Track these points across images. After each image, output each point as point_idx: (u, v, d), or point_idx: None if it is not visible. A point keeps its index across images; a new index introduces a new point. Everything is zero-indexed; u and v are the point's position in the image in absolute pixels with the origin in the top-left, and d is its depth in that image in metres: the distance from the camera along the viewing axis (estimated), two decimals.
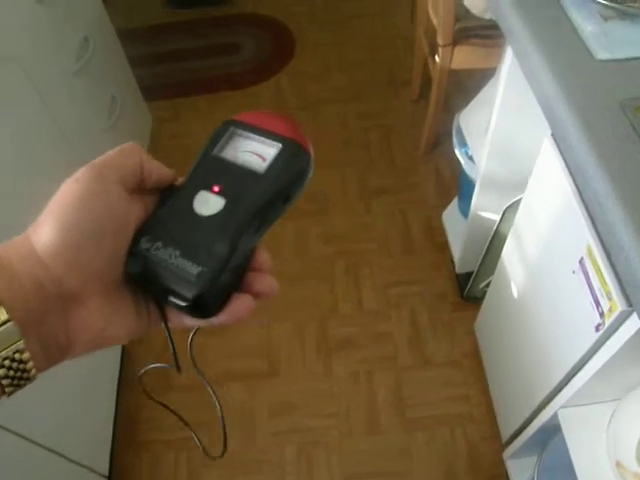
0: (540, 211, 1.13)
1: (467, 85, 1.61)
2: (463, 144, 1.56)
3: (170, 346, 0.38)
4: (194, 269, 0.33)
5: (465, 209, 1.82)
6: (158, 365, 0.41)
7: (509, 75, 1.12)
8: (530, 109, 1.11)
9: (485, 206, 1.45)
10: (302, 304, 1.86)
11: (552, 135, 0.98)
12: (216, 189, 0.35)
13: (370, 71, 2.53)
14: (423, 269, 1.90)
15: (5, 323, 0.29)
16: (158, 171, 0.37)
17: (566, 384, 1.02)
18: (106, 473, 1.50)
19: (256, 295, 0.35)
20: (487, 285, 1.68)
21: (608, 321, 0.90)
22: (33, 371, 0.31)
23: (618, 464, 0.91)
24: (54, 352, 0.32)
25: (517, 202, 1.33)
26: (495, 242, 1.50)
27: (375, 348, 1.75)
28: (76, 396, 1.37)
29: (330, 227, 2.01)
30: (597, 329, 0.94)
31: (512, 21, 0.94)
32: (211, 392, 0.41)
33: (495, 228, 1.46)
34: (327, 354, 1.76)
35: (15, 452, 1.12)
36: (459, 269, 1.77)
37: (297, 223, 2.02)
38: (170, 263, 0.33)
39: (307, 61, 2.62)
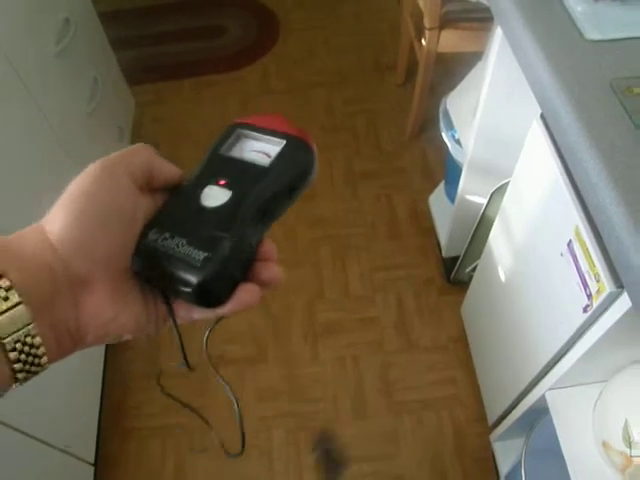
0: (528, 194, 1.12)
1: (454, 69, 1.60)
2: (450, 127, 1.55)
3: (178, 342, 0.38)
4: (200, 255, 0.33)
5: (452, 193, 1.82)
6: (171, 364, 0.42)
7: (498, 57, 1.11)
8: (519, 91, 1.11)
9: (472, 190, 1.45)
10: (289, 289, 1.85)
11: (541, 116, 0.98)
12: (222, 182, 0.36)
13: (356, 55, 2.51)
14: (409, 253, 1.90)
15: (16, 305, 0.29)
16: (168, 170, 0.38)
17: (553, 366, 1.03)
18: (92, 460, 1.48)
19: (262, 284, 0.36)
20: (474, 269, 1.68)
21: (596, 302, 0.91)
22: (45, 358, 0.31)
23: (604, 444, 0.92)
24: (65, 339, 0.32)
25: (504, 185, 1.33)
26: (482, 226, 1.50)
27: (361, 333, 1.75)
28: (61, 383, 1.35)
29: (316, 212, 2.00)
30: (585, 310, 0.94)
31: (502, 1, 0.93)
32: (229, 393, 0.42)
33: (482, 212, 1.46)
34: (313, 339, 1.75)
35: None
36: (446, 253, 1.77)
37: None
38: (177, 251, 0.34)
39: (293, 45, 2.60)
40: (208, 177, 0.37)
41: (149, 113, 2.36)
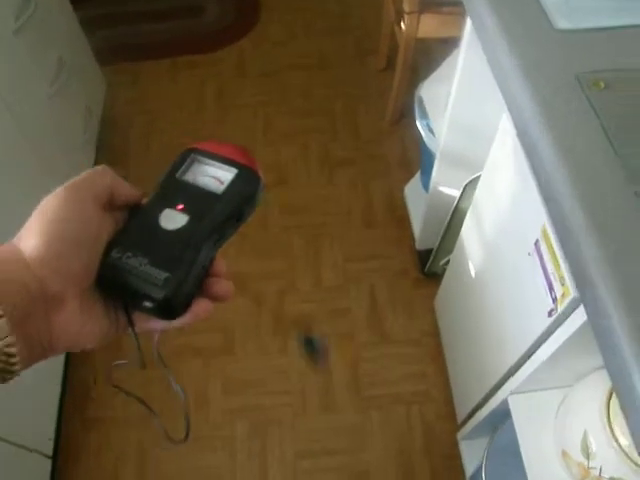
0: (498, 189, 1.08)
1: (437, 56, 1.54)
2: (424, 116, 1.50)
3: (136, 346, 0.41)
4: (162, 275, 0.37)
5: (425, 182, 1.78)
6: (122, 362, 0.45)
7: (469, 45, 1.06)
8: (490, 82, 1.06)
9: (445, 181, 1.40)
10: (260, 279, 1.80)
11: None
12: (180, 207, 0.40)
13: (338, 39, 2.44)
14: (384, 244, 1.85)
15: None
16: (127, 192, 0.41)
17: (517, 369, 0.99)
18: (50, 453, 1.44)
19: (214, 298, 0.40)
20: (448, 262, 1.64)
21: (560, 307, 0.87)
22: (17, 366, 0.33)
23: (564, 453, 0.89)
24: (37, 350, 0.35)
25: (477, 178, 1.28)
26: (455, 219, 1.46)
27: (333, 325, 1.71)
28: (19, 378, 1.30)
29: (290, 199, 1.95)
30: (550, 314, 0.91)
31: None
32: (178, 388, 0.46)
33: (455, 204, 1.41)
34: (283, 331, 1.71)
35: None
36: (419, 245, 1.73)
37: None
38: (140, 270, 0.37)
39: (272, 27, 2.52)
40: (166, 200, 0.40)
41: (123, 94, 2.28)
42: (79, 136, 1.82)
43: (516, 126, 0.80)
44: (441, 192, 1.44)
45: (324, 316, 1.72)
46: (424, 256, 1.74)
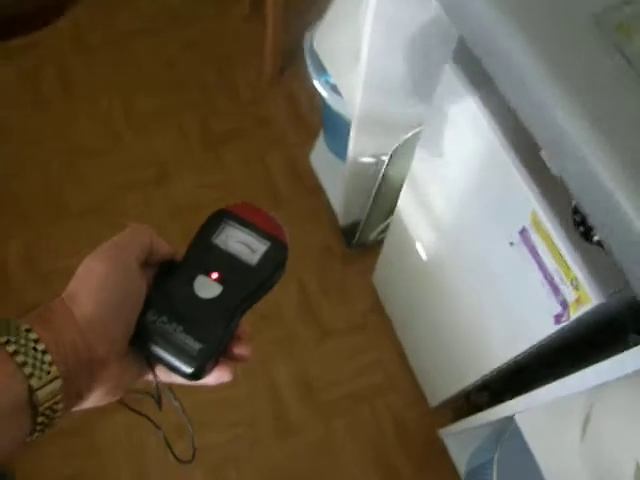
0: (447, 155, 0.86)
1: None
2: (321, 72, 1.24)
3: (155, 391, 0.42)
4: (196, 346, 0.39)
5: (336, 148, 1.53)
6: (139, 396, 0.43)
7: None
8: (419, 22, 0.83)
9: (366, 148, 1.17)
10: None
11: (455, 58, 0.71)
12: (214, 276, 0.41)
13: None
14: (299, 221, 1.60)
15: (55, 379, 0.33)
16: (164, 251, 0.42)
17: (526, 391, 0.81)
18: None
19: (233, 358, 0.42)
20: (380, 232, 1.43)
21: (575, 314, 0.67)
22: (56, 420, 0.35)
23: None
24: (73, 402, 0.36)
25: (410, 140, 1.06)
26: (384, 188, 1.24)
27: (264, 332, 1.47)
28: None
29: (177, 197, 1.63)
30: (558, 321, 0.71)
31: None
32: (182, 415, 0.45)
33: (382, 172, 1.19)
34: None
35: None
36: (343, 220, 1.49)
37: (135, 196, 1.63)
38: (175, 337, 0.39)
39: None
40: (200, 265, 0.42)
41: None
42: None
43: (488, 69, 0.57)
44: (362, 161, 1.20)
45: (250, 324, 1.47)
46: (349, 228, 1.52)
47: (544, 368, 0.89)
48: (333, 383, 1.43)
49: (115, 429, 1.37)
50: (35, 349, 0.33)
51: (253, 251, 0.42)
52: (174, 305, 0.40)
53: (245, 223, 0.43)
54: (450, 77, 0.77)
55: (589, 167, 0.45)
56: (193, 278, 0.41)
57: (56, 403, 0.34)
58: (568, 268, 0.64)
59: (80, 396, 0.36)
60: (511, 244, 0.75)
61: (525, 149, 0.69)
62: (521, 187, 0.68)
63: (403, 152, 1.10)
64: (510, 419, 0.88)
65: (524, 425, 0.82)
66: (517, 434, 0.86)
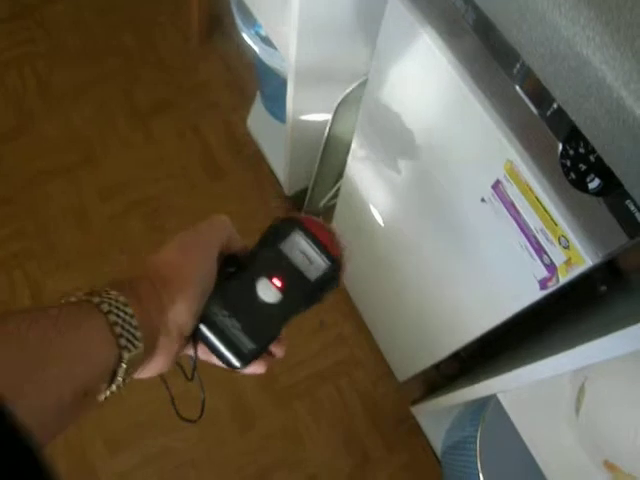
0: (398, 103, 0.75)
1: None
2: (251, 23, 1.10)
3: (192, 365, 0.44)
4: (249, 345, 0.42)
5: (274, 109, 1.40)
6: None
7: None
8: None
9: (308, 106, 1.04)
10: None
11: None
12: (277, 283, 0.43)
13: None
14: (242, 194, 1.47)
15: (140, 353, 0.35)
16: (238, 244, 0.44)
17: (509, 370, 0.71)
18: None
19: (270, 353, 0.45)
20: (331, 198, 1.31)
21: (565, 277, 0.58)
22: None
23: (608, 465, 0.64)
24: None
25: (355, 92, 0.94)
26: (330, 148, 1.12)
27: None
28: None
29: (106, 178, 1.47)
30: (544, 286, 0.62)
31: None
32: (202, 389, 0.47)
33: (327, 131, 1.06)
34: None
35: None
36: (289, 189, 1.37)
37: (60, 181, 1.46)
38: (232, 332, 0.42)
39: None
40: (265, 268, 0.44)
41: None
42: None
43: None
44: (304, 120, 1.07)
45: None
46: (296, 199, 1.40)
47: (515, 327, 0.81)
48: (293, 365, 1.32)
49: None
50: (130, 324, 0.35)
51: (314, 266, 0.44)
52: (236, 302, 0.43)
53: (313, 238, 0.45)
54: (396, 11, 0.65)
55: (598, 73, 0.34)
56: (257, 280, 0.43)
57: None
58: (555, 224, 0.54)
59: (141, 366, 0.38)
60: (482, 201, 0.65)
61: (493, 88, 0.58)
62: (492, 132, 0.58)
63: (349, 107, 0.98)
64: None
65: (506, 401, 0.73)
66: (500, 409, 0.77)
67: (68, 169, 1.47)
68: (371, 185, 0.95)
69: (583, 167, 0.47)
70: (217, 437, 1.25)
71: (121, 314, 0.34)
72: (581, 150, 0.47)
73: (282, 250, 0.44)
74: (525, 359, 0.69)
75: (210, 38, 1.66)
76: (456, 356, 1.19)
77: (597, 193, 0.48)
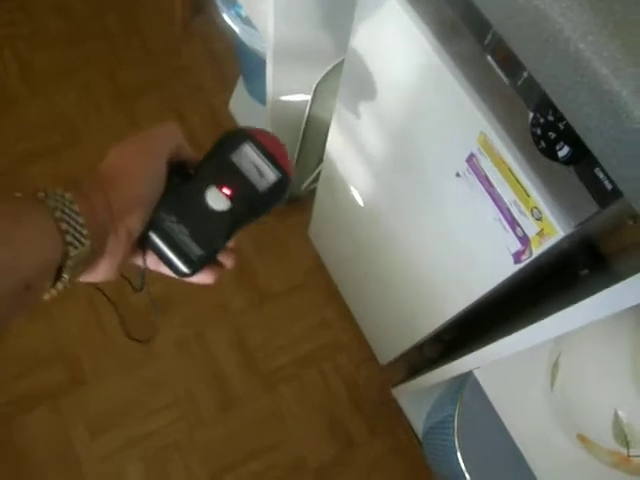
0: (376, 81, 0.74)
1: None
2: (231, 3, 1.09)
3: (141, 275, 0.45)
4: (197, 251, 0.42)
5: (256, 91, 1.39)
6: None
7: None
8: None
9: (287, 87, 1.03)
10: None
11: None
12: (226, 191, 0.43)
13: None
14: None
15: (85, 252, 0.35)
16: (187, 153, 0.44)
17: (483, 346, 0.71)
18: None
19: (218, 264, 0.45)
20: (313, 182, 1.31)
21: (538, 249, 0.58)
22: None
23: (582, 438, 0.64)
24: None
25: (334, 72, 0.93)
26: (311, 130, 1.11)
27: (197, 301, 1.35)
28: None
29: (87, 159, 1.45)
30: (517, 259, 0.62)
31: None
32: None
33: (307, 112, 1.06)
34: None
35: None
36: None
37: (43, 163, 1.44)
38: (179, 238, 0.42)
39: None
40: (214, 177, 0.43)
41: None
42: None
43: None
44: (283, 100, 1.06)
45: (183, 297, 1.33)
46: None
47: (497, 309, 0.81)
48: (276, 349, 1.32)
49: None
50: (76, 221, 0.34)
51: (263, 177, 0.44)
52: (185, 208, 0.42)
53: (263, 150, 0.44)
54: None
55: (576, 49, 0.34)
56: (206, 188, 0.43)
57: (75, 273, 0.36)
58: (527, 195, 0.54)
59: (88, 268, 0.38)
60: (457, 175, 0.64)
61: (466, 58, 0.58)
62: (466, 106, 0.57)
63: (328, 87, 0.98)
64: (469, 372, 0.80)
65: (483, 378, 0.73)
66: (478, 388, 0.77)
67: (53, 150, 1.46)
68: (350, 166, 0.94)
69: (553, 135, 0.47)
70: (200, 420, 1.25)
71: (66, 210, 0.34)
72: (550, 118, 0.47)
73: (232, 160, 0.44)
74: (502, 335, 0.69)
75: (193, 22, 1.64)
76: (440, 340, 1.19)
77: (567, 162, 0.47)
